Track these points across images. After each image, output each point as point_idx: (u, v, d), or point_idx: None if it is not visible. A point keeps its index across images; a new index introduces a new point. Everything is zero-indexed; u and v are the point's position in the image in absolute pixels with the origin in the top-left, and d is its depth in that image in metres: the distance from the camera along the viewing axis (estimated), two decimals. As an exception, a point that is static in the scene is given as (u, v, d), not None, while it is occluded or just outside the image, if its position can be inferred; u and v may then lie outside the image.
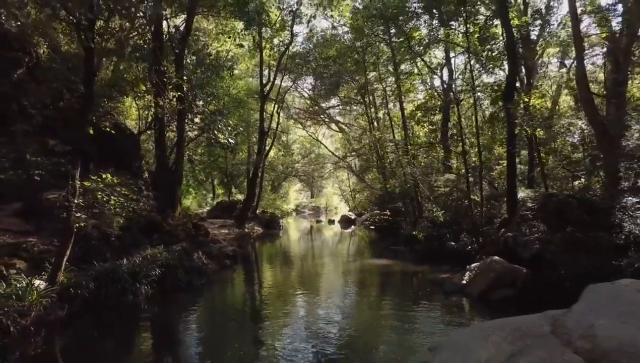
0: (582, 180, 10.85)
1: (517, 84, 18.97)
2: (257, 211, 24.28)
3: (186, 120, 12.67)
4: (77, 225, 6.54)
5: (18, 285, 6.00)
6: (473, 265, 8.39)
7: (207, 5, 11.58)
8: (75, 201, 6.30)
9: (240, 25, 14.00)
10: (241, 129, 18.65)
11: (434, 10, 13.80)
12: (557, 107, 23.38)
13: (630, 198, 8.01)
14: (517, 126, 10.69)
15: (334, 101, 31.83)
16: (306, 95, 30.70)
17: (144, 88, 9.37)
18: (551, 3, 20.62)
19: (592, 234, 7.52)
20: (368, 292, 9.53)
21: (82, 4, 5.16)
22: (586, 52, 20.61)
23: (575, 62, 9.57)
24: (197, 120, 13.86)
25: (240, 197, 26.57)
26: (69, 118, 7.94)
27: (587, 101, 9.02)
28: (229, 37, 16.75)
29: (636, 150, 8.61)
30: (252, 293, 9.59)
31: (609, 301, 2.50)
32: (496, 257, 8.10)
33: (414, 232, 13.56)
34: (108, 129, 8.52)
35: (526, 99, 11.30)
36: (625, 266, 6.84)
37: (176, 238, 10.71)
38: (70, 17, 6.22)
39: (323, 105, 31.50)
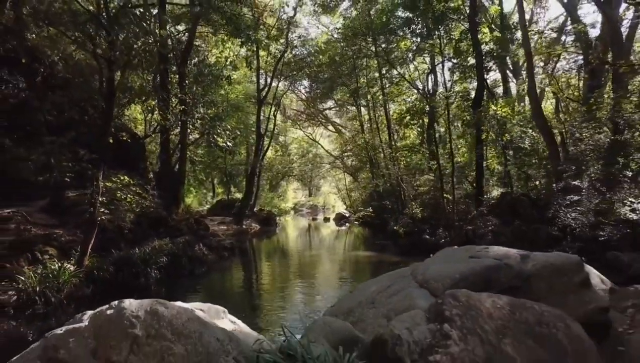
0: (541, 181, 12.16)
1: (501, 90, 20.26)
2: (255, 209, 25.60)
3: (188, 126, 14.00)
4: (99, 218, 7.86)
5: (52, 267, 7.33)
6: (436, 254, 9.71)
7: (205, 23, 12.87)
8: (100, 199, 7.61)
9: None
10: (238, 132, 19.93)
11: (415, 25, 15.10)
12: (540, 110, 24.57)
13: (571, 196, 9.33)
14: (484, 132, 12.01)
15: (330, 103, 33.08)
16: (303, 97, 31.98)
17: (153, 103, 10.68)
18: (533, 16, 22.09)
19: (534, 227, 8.84)
20: (350, 275, 10.92)
21: (110, 46, 6.49)
22: (567, 58, 21.92)
23: (527, 76, 10.80)
24: (197, 125, 15.19)
25: (239, 195, 27.82)
26: (93, 132, 9.30)
27: (537, 111, 10.31)
28: (228, 45, 18.08)
29: (580, 155, 9.92)
30: (249, 278, 10.97)
31: (445, 256, 3.90)
32: (455, 247, 9.41)
33: (395, 228, 14.90)
34: (125, 139, 9.86)
35: (494, 107, 12.62)
36: (557, 253, 8.16)
37: (180, 232, 12.04)
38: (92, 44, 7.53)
39: (319, 106, 32.74)
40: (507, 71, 20.16)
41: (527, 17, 25.07)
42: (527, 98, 24.11)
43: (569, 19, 19.17)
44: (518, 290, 3.03)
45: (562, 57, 19.91)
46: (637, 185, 8.60)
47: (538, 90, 25.40)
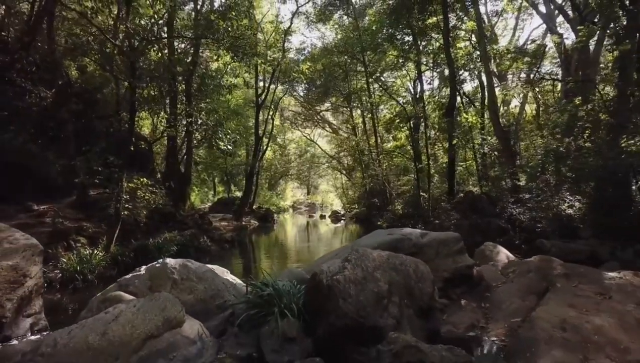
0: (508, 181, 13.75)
1: (481, 94, 21.63)
2: (254, 207, 27.23)
3: (193, 132, 15.62)
4: (123, 213, 9.49)
5: (85, 253, 8.94)
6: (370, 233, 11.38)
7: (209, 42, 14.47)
8: (124, 196, 9.24)
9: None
10: (238, 136, 21.49)
11: (397, 40, 16.69)
12: (524, 114, 26.20)
13: (523, 194, 10.94)
14: (455, 137, 13.58)
15: (327, 104, 34.62)
16: (301, 99, 33.54)
17: (166, 116, 12.30)
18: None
19: (487, 220, 10.45)
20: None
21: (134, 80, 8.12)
22: (552, 63, 23.37)
23: (487, 90, 12.33)
24: (200, 130, 16.80)
25: (239, 194, 29.45)
26: (117, 141, 10.95)
27: (496, 121, 11.88)
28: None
29: (531, 159, 11.51)
30: (247, 264, 12.61)
31: (375, 234, 5.54)
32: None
33: (379, 222, 16.54)
34: (143, 146, 11.49)
35: (465, 116, 14.20)
36: (504, 242, 9.77)
37: (186, 226, 13.67)
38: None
39: (316, 108, 34.31)
40: (493, 78, 21.75)
41: (513, 23, 26.76)
42: (508, 104, 25.76)
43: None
44: (416, 254, 4.61)
45: (546, 61, 21.48)
46: (572, 185, 10.19)
47: (521, 95, 26.98)
